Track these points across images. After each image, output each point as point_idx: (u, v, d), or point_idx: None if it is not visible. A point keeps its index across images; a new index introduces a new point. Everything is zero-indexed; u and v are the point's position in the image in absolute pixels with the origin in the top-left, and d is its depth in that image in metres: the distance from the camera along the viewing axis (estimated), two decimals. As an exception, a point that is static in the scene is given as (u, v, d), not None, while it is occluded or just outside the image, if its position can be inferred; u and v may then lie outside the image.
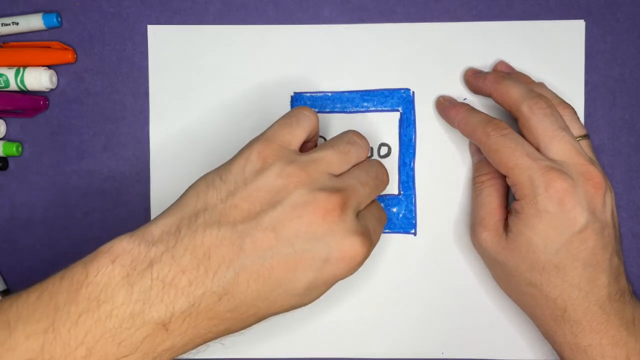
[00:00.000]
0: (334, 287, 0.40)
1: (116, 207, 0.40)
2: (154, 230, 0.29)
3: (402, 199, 0.40)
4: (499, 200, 0.36)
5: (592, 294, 0.33)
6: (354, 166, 0.33)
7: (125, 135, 0.40)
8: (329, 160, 0.31)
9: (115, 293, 0.27)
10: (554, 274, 0.33)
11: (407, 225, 0.40)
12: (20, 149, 0.40)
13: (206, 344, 0.30)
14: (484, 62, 0.40)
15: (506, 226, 0.35)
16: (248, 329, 0.31)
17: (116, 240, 0.29)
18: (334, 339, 0.40)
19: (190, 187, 0.31)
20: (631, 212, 0.40)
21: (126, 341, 0.27)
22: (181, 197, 0.31)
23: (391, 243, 0.40)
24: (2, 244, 0.41)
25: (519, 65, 0.39)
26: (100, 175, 0.40)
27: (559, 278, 0.33)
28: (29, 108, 0.40)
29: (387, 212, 0.40)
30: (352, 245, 0.30)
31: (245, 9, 0.40)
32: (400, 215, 0.40)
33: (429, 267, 0.40)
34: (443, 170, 0.40)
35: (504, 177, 0.36)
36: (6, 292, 0.40)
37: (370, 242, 0.31)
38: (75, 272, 0.28)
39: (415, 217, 0.40)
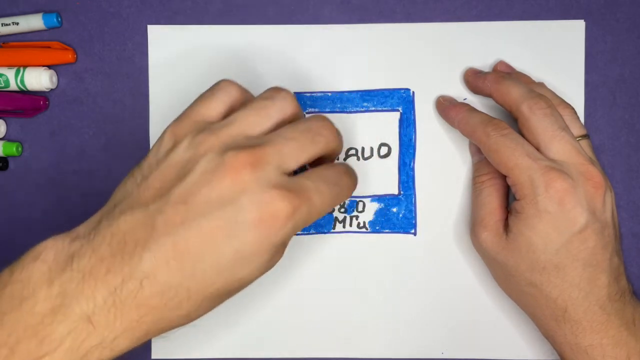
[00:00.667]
0: (335, 286, 0.40)
1: (116, 207, 0.40)
2: (80, 228, 0.29)
3: (402, 199, 0.40)
4: (499, 200, 0.36)
5: (592, 294, 0.33)
6: (284, 127, 0.30)
7: (125, 135, 0.40)
8: (244, 121, 0.29)
9: (37, 288, 0.27)
10: (554, 274, 0.33)
11: (407, 225, 0.40)
12: (20, 149, 0.40)
13: (149, 339, 0.28)
14: (484, 62, 0.40)
15: (506, 226, 0.35)
16: (199, 320, 0.29)
17: (43, 242, 0.28)
18: (333, 338, 0.40)
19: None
20: (631, 212, 0.40)
21: (48, 337, 0.26)
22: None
23: (391, 243, 0.40)
24: (2, 244, 0.41)
25: (519, 65, 0.39)
26: (100, 175, 0.40)
27: (559, 278, 0.33)
28: (29, 108, 0.40)
29: (387, 212, 0.40)
30: (271, 201, 0.27)
31: (245, 9, 0.40)
32: (400, 215, 0.40)
33: (429, 267, 0.40)
34: (443, 170, 0.40)
35: (504, 177, 0.36)
36: (6, 292, 0.40)
37: (298, 198, 0.27)
38: (2, 275, 0.28)
39: (415, 217, 0.40)
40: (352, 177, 0.31)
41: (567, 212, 0.32)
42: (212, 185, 0.27)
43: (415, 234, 0.40)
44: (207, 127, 0.29)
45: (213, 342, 0.40)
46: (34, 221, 0.41)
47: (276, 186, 0.27)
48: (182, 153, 0.28)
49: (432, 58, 0.40)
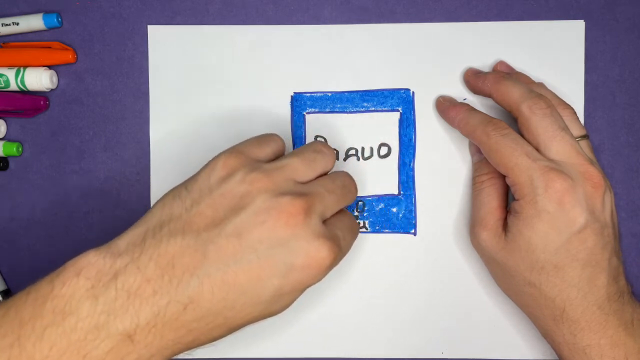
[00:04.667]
0: (335, 286, 0.40)
1: (116, 207, 0.40)
2: (120, 243, 0.29)
3: (402, 199, 0.40)
4: (499, 200, 0.36)
5: (590, 294, 0.33)
6: (321, 177, 0.32)
7: (125, 135, 0.40)
8: (294, 168, 0.31)
9: (80, 305, 0.27)
10: (553, 273, 0.33)
11: (407, 225, 0.40)
12: (20, 149, 0.40)
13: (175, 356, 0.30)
14: (484, 62, 0.40)
15: (505, 226, 0.35)
16: (219, 340, 0.30)
17: (82, 254, 0.29)
18: (333, 338, 0.40)
19: (157, 200, 0.31)
20: (631, 212, 0.40)
21: (91, 354, 0.27)
22: (148, 210, 0.31)
23: (391, 243, 0.40)
24: (2, 244, 0.41)
25: (519, 65, 0.39)
26: (100, 175, 0.40)
27: (558, 278, 0.33)
28: (29, 108, 0.40)
29: (387, 212, 0.40)
30: (318, 249, 0.29)
31: (245, 9, 0.40)
32: (400, 215, 0.40)
33: (429, 267, 0.40)
34: (443, 170, 0.40)
35: (503, 177, 0.36)
36: (6, 292, 0.40)
37: (338, 248, 0.30)
38: (41, 287, 0.28)
39: (415, 217, 0.40)
40: (357, 227, 0.35)
41: (567, 212, 0.32)
42: (266, 225, 0.28)
43: (415, 234, 0.40)
44: (259, 167, 0.30)
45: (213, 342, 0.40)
46: (34, 221, 0.41)
47: (322, 235, 0.29)
48: (235, 186, 0.30)
49: (432, 58, 0.40)
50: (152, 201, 0.40)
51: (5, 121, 0.41)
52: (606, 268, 0.33)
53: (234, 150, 0.31)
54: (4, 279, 0.41)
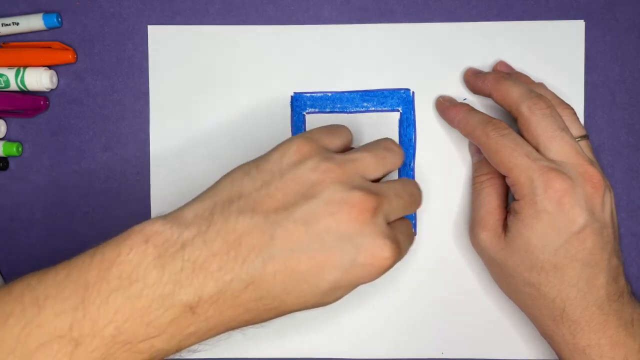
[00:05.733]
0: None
1: (116, 207, 0.40)
2: (187, 213, 0.29)
3: (402, 199, 0.40)
4: (498, 200, 0.36)
5: (590, 294, 0.33)
6: (391, 181, 0.33)
7: (125, 135, 0.40)
8: (366, 163, 0.31)
9: (147, 273, 0.27)
10: (553, 274, 0.33)
11: (407, 225, 0.40)
12: (20, 149, 0.40)
13: (228, 332, 0.30)
14: (484, 62, 0.40)
15: (505, 226, 0.35)
16: (268, 322, 0.31)
17: (149, 221, 0.29)
18: (333, 339, 0.40)
19: (226, 175, 0.31)
20: (631, 212, 0.40)
21: (155, 322, 0.27)
22: (216, 183, 0.31)
23: (391, 243, 0.40)
24: (2, 244, 0.41)
25: (519, 65, 0.39)
26: (100, 175, 0.40)
27: (558, 278, 0.33)
28: (29, 108, 0.40)
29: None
30: (382, 249, 0.29)
31: (245, 9, 0.40)
32: (400, 215, 0.40)
33: (429, 267, 0.40)
34: (443, 170, 0.40)
35: (503, 177, 0.36)
36: (6, 292, 0.40)
37: (399, 250, 0.30)
38: (107, 251, 0.28)
39: (415, 217, 0.40)
40: (414, 234, 0.35)
41: (566, 213, 0.32)
42: (335, 217, 0.29)
43: (415, 234, 0.40)
44: (332, 157, 0.30)
45: (213, 342, 0.40)
46: (34, 221, 0.41)
47: (387, 236, 0.29)
48: (308, 172, 0.30)
49: (432, 58, 0.40)
50: (152, 201, 0.40)
51: (5, 121, 0.41)
52: (606, 268, 0.33)
53: (307, 137, 0.31)
54: (4, 279, 0.41)
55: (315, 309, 0.31)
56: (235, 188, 0.30)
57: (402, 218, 0.33)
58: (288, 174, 0.30)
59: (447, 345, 0.40)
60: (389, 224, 0.31)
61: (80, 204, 0.40)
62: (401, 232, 0.32)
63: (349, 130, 0.34)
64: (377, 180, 0.32)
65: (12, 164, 0.41)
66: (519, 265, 0.34)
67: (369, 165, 0.31)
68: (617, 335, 0.33)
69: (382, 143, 0.33)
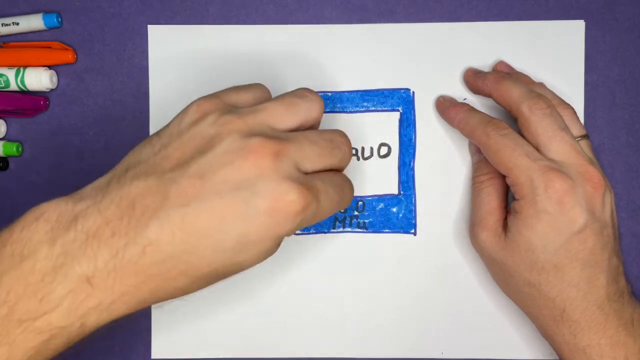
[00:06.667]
0: (335, 286, 0.40)
1: (116, 207, 0.40)
2: (86, 189, 0.29)
3: (402, 199, 0.40)
4: (499, 200, 0.36)
5: (590, 294, 0.33)
6: (308, 130, 0.30)
7: (125, 135, 0.40)
8: (272, 111, 0.29)
9: (38, 247, 0.26)
10: (553, 273, 0.33)
11: (407, 225, 0.40)
12: (20, 149, 0.40)
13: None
14: (484, 62, 0.40)
15: (505, 226, 0.35)
16: (189, 296, 0.29)
17: (46, 202, 0.28)
18: (333, 338, 0.40)
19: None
20: (631, 212, 0.40)
21: (48, 296, 0.26)
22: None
23: (391, 243, 0.40)
24: (3, 243, 0.41)
25: (519, 65, 0.39)
26: (100, 176, 0.40)
27: (558, 278, 0.33)
28: (29, 108, 0.40)
29: (387, 212, 0.40)
30: (286, 192, 0.27)
31: (245, 9, 0.40)
32: (400, 215, 0.40)
33: (429, 267, 0.40)
34: (443, 170, 0.40)
35: (503, 177, 0.36)
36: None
37: (312, 196, 0.28)
38: (2, 233, 0.28)
39: (415, 217, 0.40)
40: (352, 189, 0.32)
41: (566, 212, 0.32)
42: (232, 165, 0.27)
43: (415, 233, 0.40)
44: (234, 110, 0.29)
45: (213, 342, 0.40)
46: (34, 221, 0.41)
47: (292, 179, 0.27)
48: (206, 127, 0.28)
49: (432, 58, 0.40)
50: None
51: (5, 121, 0.41)
52: (606, 268, 0.33)
53: (210, 96, 0.30)
54: (4, 279, 0.41)
55: (234, 274, 0.29)
56: (134, 157, 0.29)
57: (334, 171, 0.31)
58: (186, 133, 0.28)
59: (447, 345, 0.40)
60: (308, 173, 0.29)
61: (80, 204, 0.40)
62: (323, 180, 0.29)
63: (263, 86, 0.32)
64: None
65: (12, 164, 0.41)
66: (519, 265, 0.34)
67: (277, 115, 0.29)
68: (618, 335, 0.33)
69: (295, 91, 0.31)
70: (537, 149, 0.34)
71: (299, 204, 0.27)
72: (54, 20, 0.40)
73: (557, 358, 0.36)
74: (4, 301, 0.26)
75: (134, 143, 0.40)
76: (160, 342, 0.40)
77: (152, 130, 0.40)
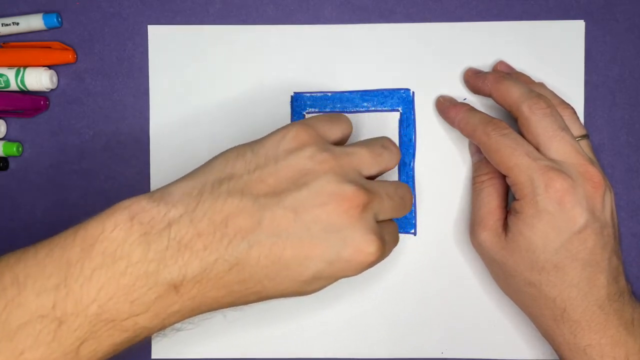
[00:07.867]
0: (334, 286, 0.40)
1: (116, 207, 0.40)
2: (175, 191, 0.29)
3: (402, 199, 0.40)
4: (499, 200, 0.36)
5: (591, 294, 0.33)
6: (385, 181, 0.32)
7: (125, 135, 0.40)
8: (362, 158, 0.31)
9: (132, 250, 0.27)
10: (553, 273, 0.33)
11: (407, 225, 0.40)
12: (20, 149, 0.40)
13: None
14: (484, 62, 0.40)
15: (505, 226, 0.35)
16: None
17: (135, 198, 0.28)
18: (333, 338, 0.40)
19: (219, 154, 0.31)
20: (631, 212, 0.40)
21: (139, 300, 0.27)
22: (208, 162, 0.31)
23: (391, 243, 0.40)
24: (2, 244, 0.41)
25: (519, 65, 0.39)
26: (100, 175, 0.40)
27: (558, 278, 0.33)
28: (29, 108, 0.40)
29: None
30: (368, 244, 0.29)
31: (245, 9, 0.40)
32: (400, 215, 0.40)
33: (429, 267, 0.40)
34: (443, 170, 0.40)
35: (503, 177, 0.36)
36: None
37: (384, 249, 0.30)
38: (90, 227, 0.28)
39: (415, 217, 0.40)
40: (398, 240, 0.34)
41: (567, 212, 0.32)
42: (325, 208, 0.28)
43: (415, 234, 0.40)
44: (329, 148, 0.30)
45: (213, 342, 0.40)
46: (34, 221, 0.41)
47: (374, 232, 0.29)
48: (303, 161, 0.29)
49: (432, 58, 0.40)
50: (152, 201, 0.40)
51: (5, 121, 0.41)
52: (606, 268, 0.33)
53: (306, 125, 0.31)
54: (4, 279, 0.41)
55: (297, 296, 0.31)
56: (228, 169, 0.30)
57: (390, 220, 0.33)
58: (283, 160, 0.29)
59: (447, 345, 0.40)
60: (377, 223, 0.31)
61: (80, 204, 0.40)
62: (388, 232, 0.31)
63: (349, 121, 0.33)
64: (371, 178, 0.32)
65: (12, 164, 0.41)
66: (519, 265, 0.34)
67: (365, 161, 0.31)
68: (618, 335, 0.33)
69: (380, 141, 0.33)
70: (537, 148, 0.34)
71: (374, 256, 0.29)
72: (54, 20, 0.40)
73: (557, 358, 0.36)
74: (95, 298, 0.27)
75: (134, 143, 0.40)
76: (160, 342, 0.40)
77: (152, 130, 0.40)
